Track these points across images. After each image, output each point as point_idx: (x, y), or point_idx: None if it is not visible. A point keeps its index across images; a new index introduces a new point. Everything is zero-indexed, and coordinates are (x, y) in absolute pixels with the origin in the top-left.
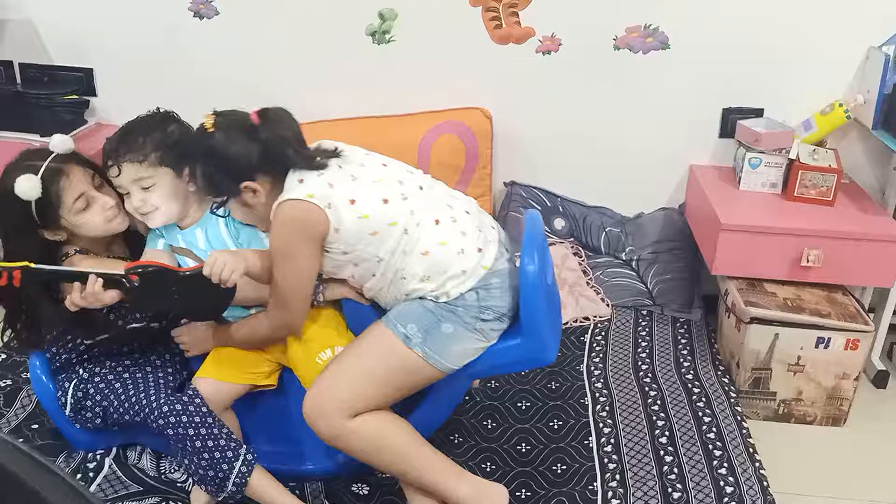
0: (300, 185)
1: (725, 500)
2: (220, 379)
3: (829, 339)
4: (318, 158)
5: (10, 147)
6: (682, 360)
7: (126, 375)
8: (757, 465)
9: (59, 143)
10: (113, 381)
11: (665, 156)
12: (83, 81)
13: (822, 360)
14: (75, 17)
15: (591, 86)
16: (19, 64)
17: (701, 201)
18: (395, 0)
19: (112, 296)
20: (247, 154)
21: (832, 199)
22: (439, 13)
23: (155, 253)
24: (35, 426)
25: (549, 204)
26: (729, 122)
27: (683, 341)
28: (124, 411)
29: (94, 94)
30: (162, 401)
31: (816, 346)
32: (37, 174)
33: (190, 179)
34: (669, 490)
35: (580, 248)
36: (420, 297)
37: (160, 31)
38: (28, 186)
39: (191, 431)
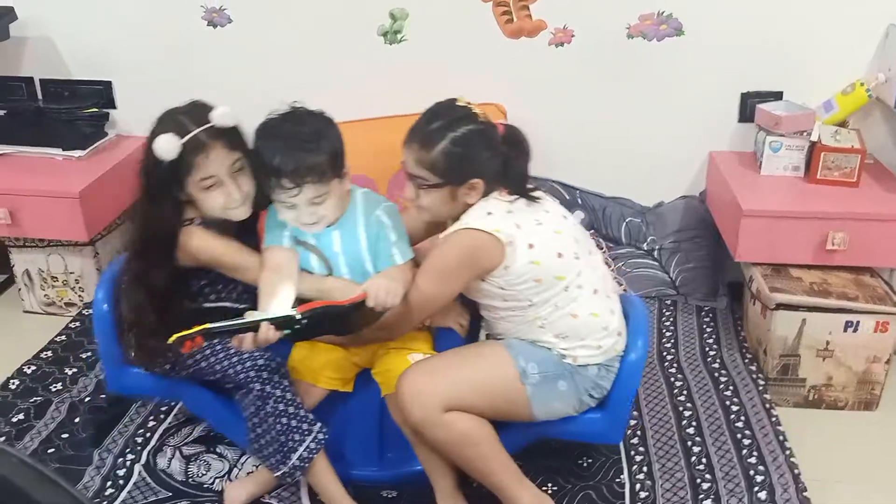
0: (488, 218)
1: (756, 489)
2: (310, 381)
3: (858, 322)
4: (531, 197)
5: (34, 162)
6: (707, 349)
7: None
8: (787, 452)
9: (220, 116)
10: (211, 346)
11: (684, 143)
12: (103, 94)
13: (851, 344)
14: (92, 31)
15: (605, 76)
16: (40, 80)
17: (722, 188)
18: (405, 0)
19: (278, 334)
20: (494, 156)
21: (856, 181)
22: (450, 10)
23: (281, 251)
24: (65, 435)
25: (567, 196)
26: (748, 106)
27: (709, 330)
28: (202, 358)
29: (114, 107)
30: (257, 356)
31: (845, 330)
32: (182, 137)
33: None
34: (698, 480)
35: (601, 240)
36: (546, 348)
37: (175, 41)
38: (165, 148)
39: (278, 392)
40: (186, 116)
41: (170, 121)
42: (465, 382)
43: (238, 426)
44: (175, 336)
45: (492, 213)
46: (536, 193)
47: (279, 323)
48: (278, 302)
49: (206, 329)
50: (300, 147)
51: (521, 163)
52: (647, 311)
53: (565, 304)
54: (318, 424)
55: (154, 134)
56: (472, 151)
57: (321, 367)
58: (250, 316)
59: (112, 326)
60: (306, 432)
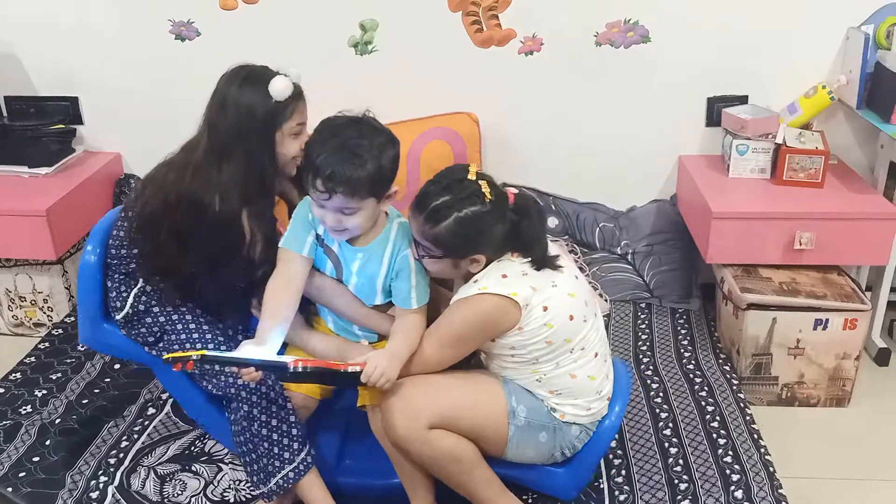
0: (504, 281)
1: (732, 488)
2: (306, 393)
3: (827, 320)
4: (548, 262)
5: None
6: (682, 350)
7: (208, 327)
8: (762, 450)
9: (295, 76)
10: (197, 328)
11: (654, 148)
12: (69, 110)
13: (821, 341)
14: (57, 47)
15: (575, 83)
16: (5, 97)
17: (691, 191)
18: (375, 10)
19: (262, 375)
20: (499, 236)
21: (821, 181)
22: (420, 20)
23: (295, 259)
24: (36, 458)
25: (541, 203)
26: (714, 110)
27: (683, 332)
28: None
29: (81, 122)
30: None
31: (815, 328)
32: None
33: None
34: (676, 482)
35: (575, 246)
36: (538, 399)
37: (142, 54)
38: (283, 87)
39: (263, 417)
40: (270, 70)
41: (262, 70)
42: (455, 406)
43: (204, 407)
44: (170, 355)
45: (507, 275)
46: (553, 252)
47: (271, 367)
48: (272, 345)
49: (202, 356)
50: (346, 157)
51: (532, 230)
52: (630, 378)
53: (566, 364)
54: (306, 449)
55: (246, 81)
56: (475, 232)
57: None
58: (248, 353)
59: (98, 279)
60: (287, 461)
